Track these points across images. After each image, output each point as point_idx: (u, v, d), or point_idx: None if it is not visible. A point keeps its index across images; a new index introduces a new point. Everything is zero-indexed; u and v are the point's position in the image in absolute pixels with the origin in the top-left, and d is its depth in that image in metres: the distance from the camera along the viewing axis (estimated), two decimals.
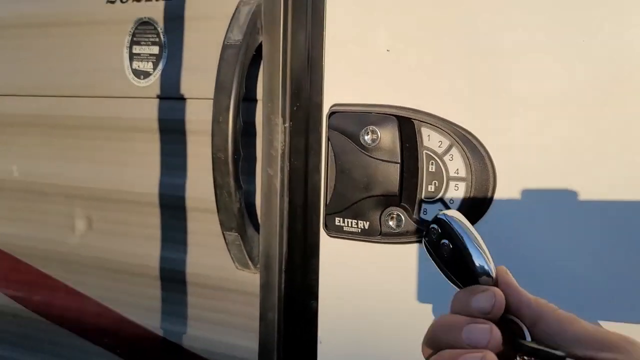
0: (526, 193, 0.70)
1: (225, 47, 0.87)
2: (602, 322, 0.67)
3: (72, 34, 1.07)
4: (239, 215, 0.89)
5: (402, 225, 0.76)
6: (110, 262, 1.10)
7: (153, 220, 1.05)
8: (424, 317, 0.78)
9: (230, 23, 0.88)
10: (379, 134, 0.75)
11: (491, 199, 0.72)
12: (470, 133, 0.72)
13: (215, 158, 0.86)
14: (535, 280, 0.70)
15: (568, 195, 0.68)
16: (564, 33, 0.67)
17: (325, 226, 0.82)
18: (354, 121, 0.77)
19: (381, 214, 0.77)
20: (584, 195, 0.67)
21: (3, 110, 1.17)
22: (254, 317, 0.99)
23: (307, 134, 0.85)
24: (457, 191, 0.73)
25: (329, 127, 0.80)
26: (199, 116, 0.98)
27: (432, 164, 0.74)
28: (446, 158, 0.73)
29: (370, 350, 0.84)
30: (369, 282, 0.82)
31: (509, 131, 0.70)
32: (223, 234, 0.91)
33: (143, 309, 1.08)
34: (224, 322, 1.01)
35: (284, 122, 0.87)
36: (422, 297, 0.78)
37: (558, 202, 0.69)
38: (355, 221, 0.79)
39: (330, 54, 0.81)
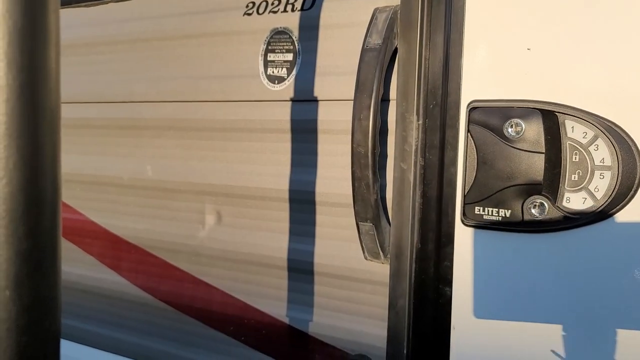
0: None
1: (365, 50, 0.94)
2: None
3: (210, 44, 1.18)
4: (375, 206, 0.95)
5: (545, 213, 0.80)
6: (237, 254, 1.18)
7: (281, 214, 1.13)
8: (560, 306, 0.81)
9: (368, 28, 0.96)
10: (523, 126, 0.80)
11: (638, 187, 0.75)
12: (615, 124, 0.76)
13: (356, 152, 0.93)
14: None
15: None
16: None
17: (464, 215, 0.87)
18: (496, 115, 0.83)
19: (523, 203, 0.81)
20: None
21: (140, 115, 1.28)
22: (382, 305, 1.04)
23: (444, 130, 0.90)
24: (602, 179, 0.77)
25: (470, 121, 0.85)
26: (331, 116, 1.06)
27: (575, 155, 0.78)
28: (591, 148, 0.77)
29: (503, 338, 0.87)
30: (505, 270, 0.86)
31: None
32: (357, 225, 0.98)
33: (269, 298, 1.15)
34: (351, 310, 1.07)
35: (417, 120, 0.93)
36: (560, 286, 0.81)
37: None
38: (497, 209, 0.84)
39: (469, 54, 0.87)
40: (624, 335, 0.77)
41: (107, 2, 1.31)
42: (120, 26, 1.30)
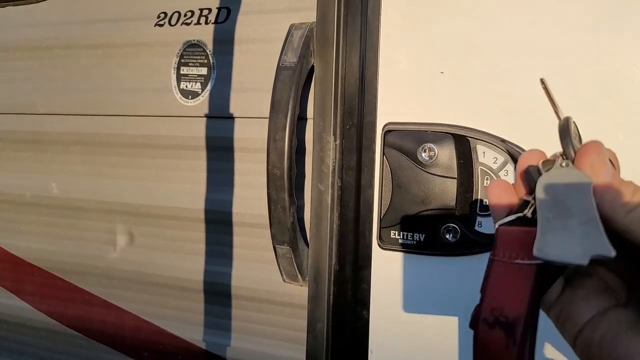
0: None
1: (280, 68, 0.91)
2: None
3: (119, 55, 1.11)
4: (291, 229, 0.92)
5: (458, 238, 0.80)
6: (151, 276, 1.12)
7: (197, 235, 1.08)
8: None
9: (284, 46, 0.93)
10: (436, 151, 0.80)
11: None
12: (524, 150, 0.77)
13: (271, 174, 0.90)
14: None
15: None
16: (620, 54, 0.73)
17: (380, 239, 0.86)
18: (410, 139, 0.82)
19: (437, 227, 0.81)
20: None
21: (44, 128, 1.19)
22: (300, 328, 1.02)
23: (360, 152, 0.89)
24: None
25: (385, 144, 0.84)
26: (247, 134, 1.02)
27: (487, 179, 0.79)
28: (501, 173, 0.78)
29: None
30: (421, 294, 0.86)
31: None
32: (274, 248, 0.94)
33: (184, 322, 1.10)
34: (269, 334, 1.03)
35: (335, 140, 0.91)
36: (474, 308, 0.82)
37: None
38: (411, 234, 0.83)
39: (384, 75, 0.86)
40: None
41: (4, 6, 1.21)
42: (19, 32, 1.20)
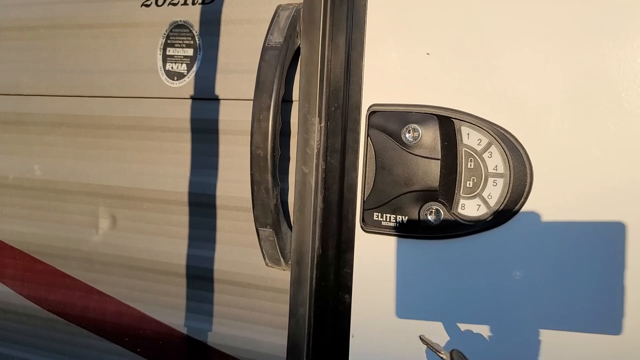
0: (561, 191, 0.75)
1: (265, 48, 0.90)
2: None
3: (106, 36, 1.10)
4: (275, 211, 0.91)
5: (441, 220, 0.79)
6: (133, 260, 1.11)
7: (180, 218, 1.07)
8: (456, 313, 0.81)
9: (270, 26, 0.92)
10: (420, 132, 0.79)
11: (528, 194, 0.76)
12: (508, 132, 0.76)
13: (255, 155, 0.89)
14: (560, 279, 0.74)
15: (605, 195, 0.72)
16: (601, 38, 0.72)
17: (363, 221, 0.85)
18: (395, 120, 0.81)
19: (420, 209, 0.80)
20: (622, 196, 0.72)
21: (29, 109, 1.17)
22: (282, 313, 1.01)
23: (345, 134, 0.88)
24: (495, 187, 0.77)
25: (369, 125, 0.83)
26: (232, 116, 1.01)
27: (470, 161, 0.78)
28: (485, 155, 0.77)
29: (402, 344, 0.86)
30: (403, 277, 0.85)
31: (546, 131, 0.75)
32: (257, 230, 0.93)
33: (166, 307, 1.09)
34: (251, 319, 1.02)
35: (320, 122, 0.90)
36: (456, 292, 0.81)
37: (594, 202, 0.73)
38: (394, 216, 0.82)
39: (370, 56, 0.85)
40: (515, 334, 0.78)
41: None
42: (5, 11, 1.18)
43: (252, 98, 0.95)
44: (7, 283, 1.23)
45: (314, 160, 0.91)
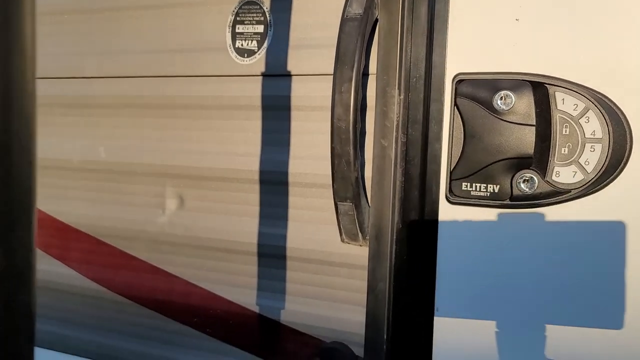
0: None
1: (345, 20, 0.90)
2: None
3: (171, 16, 1.10)
4: (355, 184, 0.90)
5: (535, 188, 0.78)
6: (202, 240, 1.11)
7: (249, 196, 1.06)
8: (553, 284, 0.80)
9: None
10: (513, 98, 0.78)
11: (628, 159, 0.74)
12: (605, 96, 0.75)
13: (336, 127, 0.88)
14: None
15: None
16: None
17: (450, 191, 0.84)
18: (485, 87, 0.80)
19: (512, 177, 0.79)
20: None
21: (93, 92, 1.18)
22: (358, 290, 1.00)
23: (428, 104, 0.87)
24: (592, 152, 0.75)
25: (457, 94, 0.82)
26: (305, 92, 1.00)
27: (566, 127, 0.77)
28: (582, 121, 0.76)
29: (489, 320, 0.85)
30: (493, 248, 0.83)
31: None
32: (335, 205, 0.93)
33: (237, 286, 1.09)
34: (325, 296, 1.02)
35: (399, 94, 0.89)
36: (550, 262, 0.79)
37: None
38: (485, 185, 0.81)
39: (455, 25, 0.84)
40: (618, 307, 0.76)
41: None
42: None
43: (327, 73, 0.94)
44: (73, 266, 1.24)
45: (394, 133, 0.90)
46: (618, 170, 0.74)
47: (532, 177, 0.78)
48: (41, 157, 1.26)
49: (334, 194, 0.92)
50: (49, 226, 1.25)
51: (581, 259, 0.77)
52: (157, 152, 1.13)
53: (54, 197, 1.25)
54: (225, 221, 1.08)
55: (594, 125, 0.75)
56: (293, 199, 1.03)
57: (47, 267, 1.25)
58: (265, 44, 1.02)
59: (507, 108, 0.78)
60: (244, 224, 1.07)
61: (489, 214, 0.82)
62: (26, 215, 0.33)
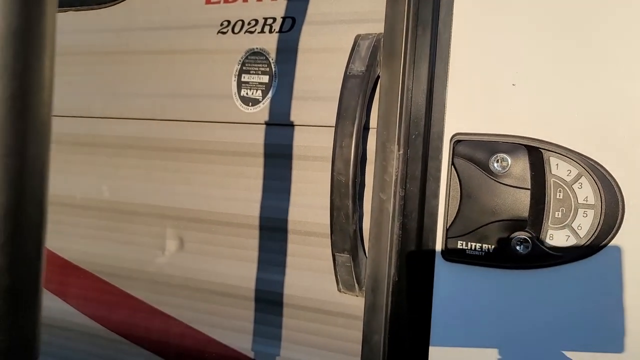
0: None
1: (347, 77, 0.92)
2: None
3: (180, 62, 1.13)
4: (353, 237, 0.92)
5: (529, 250, 0.79)
6: (200, 283, 1.12)
7: (249, 242, 1.08)
8: (540, 346, 0.81)
9: (351, 55, 0.94)
10: (509, 161, 0.80)
11: (619, 226, 0.76)
12: (598, 163, 0.77)
13: (336, 181, 0.90)
14: None
15: None
16: None
17: (446, 249, 0.85)
18: (482, 149, 0.82)
19: (507, 239, 0.80)
20: None
21: (101, 132, 1.20)
22: (353, 340, 1.00)
23: (426, 161, 0.89)
24: (585, 218, 0.77)
25: (454, 154, 0.84)
26: (307, 142, 1.02)
27: (559, 192, 0.78)
28: (575, 186, 0.77)
29: None
30: (486, 307, 0.84)
31: (638, 161, 0.75)
32: (333, 256, 0.94)
33: (233, 330, 1.09)
34: (320, 345, 1.02)
35: (399, 150, 0.91)
36: (543, 323, 0.80)
37: None
38: (480, 244, 0.82)
39: (454, 86, 0.87)
40: None
41: (65, 11, 1.24)
42: (81, 37, 1.23)
43: (328, 125, 0.97)
44: (71, 302, 1.24)
45: (392, 188, 0.92)
46: (610, 236, 0.75)
47: (526, 239, 0.79)
48: None
49: (332, 245, 0.94)
50: (50, 262, 1.26)
51: (569, 322, 0.78)
52: (159, 193, 1.15)
53: (56, 233, 1.26)
54: (223, 265, 1.10)
55: (586, 191, 0.77)
56: (292, 247, 1.05)
57: (45, 303, 1.25)
58: (270, 94, 1.05)
59: (503, 171, 0.80)
60: (242, 269, 1.08)
61: (484, 273, 0.83)
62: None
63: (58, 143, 1.26)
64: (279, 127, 1.04)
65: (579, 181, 0.77)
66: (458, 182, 0.83)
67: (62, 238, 1.26)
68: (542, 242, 0.79)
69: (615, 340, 0.76)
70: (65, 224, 1.26)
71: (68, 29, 1.25)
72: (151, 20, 1.16)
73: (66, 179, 1.25)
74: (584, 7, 0.79)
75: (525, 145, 0.79)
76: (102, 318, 1.21)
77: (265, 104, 1.05)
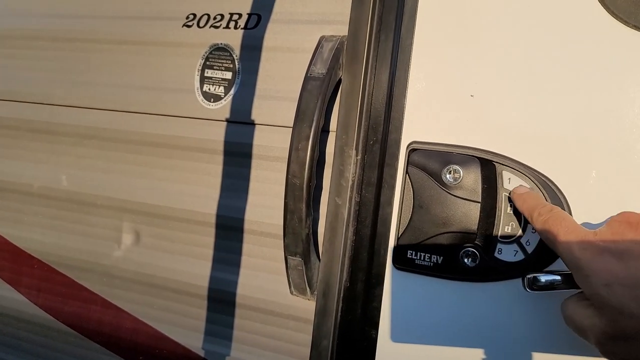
0: None
1: (308, 78, 0.91)
2: None
3: (144, 53, 1.10)
4: (305, 241, 0.91)
5: (477, 263, 0.79)
6: (154, 278, 1.10)
7: (205, 239, 1.06)
8: (487, 356, 0.81)
9: (313, 56, 0.93)
10: (461, 173, 0.79)
11: None
12: (549, 179, 0.76)
13: (290, 183, 0.89)
14: None
15: None
16: None
17: (396, 257, 0.84)
18: (436, 159, 0.81)
19: (456, 251, 0.80)
20: None
21: (61, 120, 1.18)
22: (303, 343, 1.00)
23: (382, 168, 0.88)
24: (534, 234, 0.77)
25: (409, 162, 0.83)
26: (267, 142, 1.01)
27: (510, 206, 0.78)
28: None
29: None
30: (433, 317, 0.84)
31: (587, 180, 0.75)
32: (285, 258, 0.93)
33: (185, 328, 1.08)
34: (271, 347, 1.01)
35: (356, 155, 0.91)
36: (488, 337, 0.80)
37: None
38: (429, 255, 0.82)
39: (413, 94, 0.86)
40: None
41: None
42: (43, 21, 1.20)
43: (289, 125, 0.95)
44: (23, 292, 1.22)
45: (348, 193, 0.91)
46: (555, 255, 0.75)
47: (475, 253, 0.79)
48: (1, 179, 1.24)
49: (284, 248, 0.92)
50: (3, 249, 1.24)
51: (516, 336, 0.78)
52: (118, 186, 1.13)
53: (12, 221, 1.24)
54: (178, 261, 1.08)
55: None
56: (247, 246, 1.03)
57: None
58: (232, 91, 1.03)
59: (455, 182, 0.79)
60: (197, 266, 1.07)
61: (433, 283, 0.83)
62: None
63: (18, 129, 1.23)
64: (240, 125, 1.03)
65: None
66: (411, 191, 0.83)
67: (17, 226, 1.23)
68: (490, 256, 0.78)
69: (550, 353, 0.76)
70: (21, 212, 1.23)
71: (36, 12, 1.22)
72: (117, 9, 1.14)
73: (24, 166, 1.22)
74: (544, 23, 0.78)
75: (478, 158, 0.79)
76: (53, 309, 1.19)
77: (227, 101, 1.03)
